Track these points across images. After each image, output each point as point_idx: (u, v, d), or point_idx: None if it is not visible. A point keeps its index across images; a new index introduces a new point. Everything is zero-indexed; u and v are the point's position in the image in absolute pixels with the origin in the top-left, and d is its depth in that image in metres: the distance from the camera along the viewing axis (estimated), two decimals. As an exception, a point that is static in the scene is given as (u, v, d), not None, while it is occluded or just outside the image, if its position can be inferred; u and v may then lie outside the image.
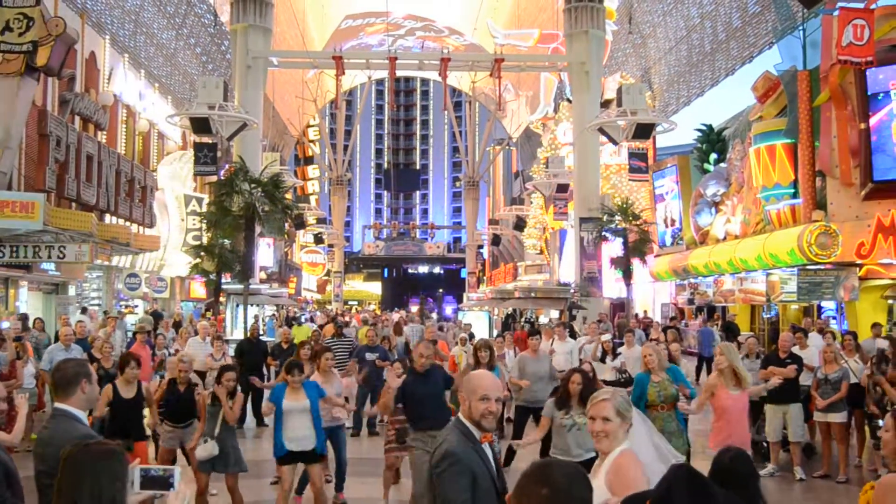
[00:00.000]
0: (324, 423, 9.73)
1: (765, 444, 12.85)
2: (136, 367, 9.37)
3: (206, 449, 9.20)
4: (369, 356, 15.43)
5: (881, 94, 21.48)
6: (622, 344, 16.15)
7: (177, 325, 23.36)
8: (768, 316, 28.65)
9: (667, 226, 34.02)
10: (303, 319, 35.25)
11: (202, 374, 15.04)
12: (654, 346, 10.02)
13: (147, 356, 15.09)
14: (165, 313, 30.08)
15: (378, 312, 61.25)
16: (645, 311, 35.52)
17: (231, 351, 17.72)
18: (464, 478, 4.06)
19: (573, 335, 20.49)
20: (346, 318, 33.59)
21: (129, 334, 20.71)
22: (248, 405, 17.02)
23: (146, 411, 9.82)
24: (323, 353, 10.78)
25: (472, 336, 14.67)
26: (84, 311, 25.72)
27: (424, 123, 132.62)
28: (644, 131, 28.53)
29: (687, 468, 3.16)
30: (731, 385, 8.79)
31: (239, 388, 9.72)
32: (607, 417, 4.33)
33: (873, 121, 21.50)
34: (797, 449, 12.32)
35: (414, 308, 72.86)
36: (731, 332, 24.32)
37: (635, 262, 31.23)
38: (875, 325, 16.34)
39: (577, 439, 8.51)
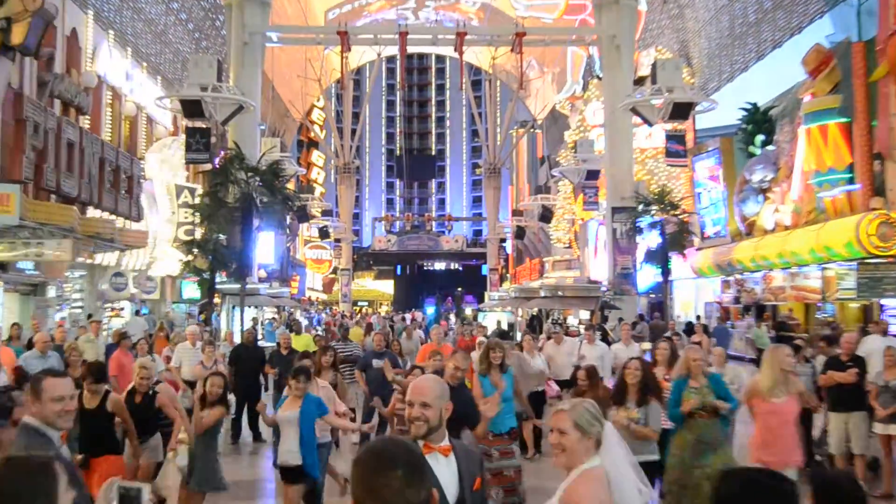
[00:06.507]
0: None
1: (827, 458, 12.70)
2: (93, 381, 9.38)
3: (178, 460, 9.27)
4: (377, 363, 15.21)
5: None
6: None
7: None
8: (824, 315, 28.39)
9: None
10: (304, 325, 35.01)
11: (192, 384, 14.98)
12: (698, 350, 10.00)
13: (130, 363, 15.04)
14: (154, 315, 30.09)
15: (389, 312, 61.32)
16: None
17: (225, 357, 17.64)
18: None
19: (605, 339, 20.34)
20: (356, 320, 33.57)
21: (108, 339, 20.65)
22: (245, 418, 17.00)
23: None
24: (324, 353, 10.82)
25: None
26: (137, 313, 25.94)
27: (440, 105, 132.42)
28: (682, 111, 28.30)
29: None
30: (771, 391, 8.67)
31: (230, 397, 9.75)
32: (563, 430, 4.34)
33: (939, 97, 21.28)
34: (861, 463, 12.14)
35: (423, 311, 72.83)
36: (783, 332, 24.13)
37: (674, 257, 31.04)
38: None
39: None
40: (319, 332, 24.80)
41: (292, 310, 40.69)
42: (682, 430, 9.30)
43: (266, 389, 18.92)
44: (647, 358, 16.66)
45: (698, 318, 32.13)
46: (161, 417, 10.41)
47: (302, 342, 19.67)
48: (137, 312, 28.51)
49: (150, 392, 10.15)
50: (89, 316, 26.42)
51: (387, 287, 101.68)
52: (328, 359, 12.91)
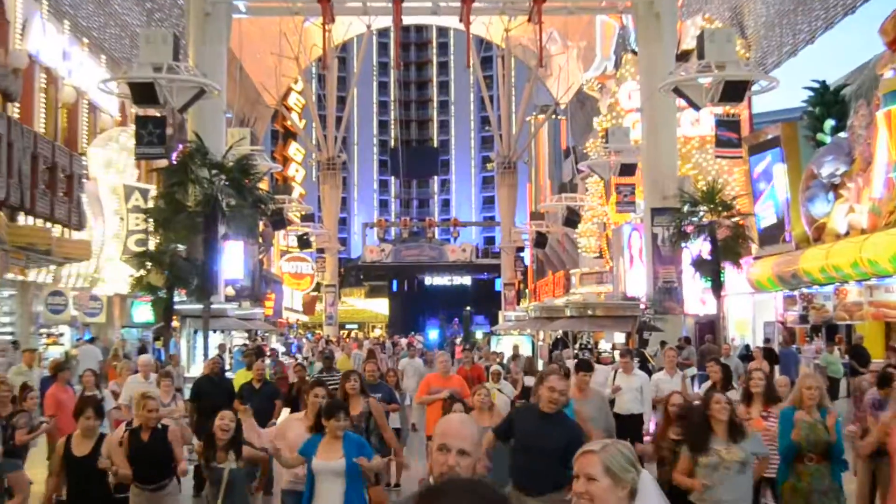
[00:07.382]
0: (285, 486, 9.81)
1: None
2: (94, 415, 9.53)
3: None
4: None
5: None
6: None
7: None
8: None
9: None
10: (280, 352, 34.75)
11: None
12: (815, 377, 9.93)
13: (70, 399, 14.94)
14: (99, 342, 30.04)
15: (384, 338, 61.20)
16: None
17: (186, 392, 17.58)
18: None
19: (645, 367, 20.22)
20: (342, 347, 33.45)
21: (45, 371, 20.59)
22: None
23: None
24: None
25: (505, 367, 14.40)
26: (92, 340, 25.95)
27: (443, 87, 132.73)
28: (735, 92, 28.19)
29: None
30: None
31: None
32: (592, 476, 4.18)
33: None
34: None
35: (432, 333, 72.85)
36: (860, 359, 23.97)
37: (728, 267, 30.93)
38: None
39: (726, 481, 8.48)
40: (300, 361, 24.63)
41: (266, 335, 40.61)
42: (792, 478, 9.30)
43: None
44: (697, 386, 16.61)
45: (767, 341, 31.86)
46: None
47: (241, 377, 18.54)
48: (92, 339, 28.44)
49: (159, 426, 9.98)
50: (14, 343, 26.30)
51: (380, 306, 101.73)
52: (353, 384, 11.94)
